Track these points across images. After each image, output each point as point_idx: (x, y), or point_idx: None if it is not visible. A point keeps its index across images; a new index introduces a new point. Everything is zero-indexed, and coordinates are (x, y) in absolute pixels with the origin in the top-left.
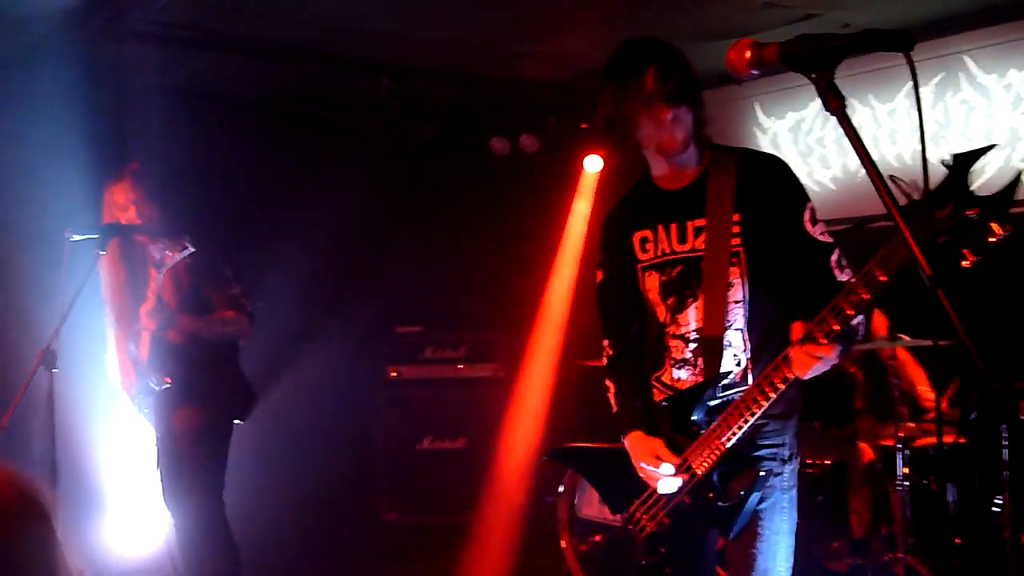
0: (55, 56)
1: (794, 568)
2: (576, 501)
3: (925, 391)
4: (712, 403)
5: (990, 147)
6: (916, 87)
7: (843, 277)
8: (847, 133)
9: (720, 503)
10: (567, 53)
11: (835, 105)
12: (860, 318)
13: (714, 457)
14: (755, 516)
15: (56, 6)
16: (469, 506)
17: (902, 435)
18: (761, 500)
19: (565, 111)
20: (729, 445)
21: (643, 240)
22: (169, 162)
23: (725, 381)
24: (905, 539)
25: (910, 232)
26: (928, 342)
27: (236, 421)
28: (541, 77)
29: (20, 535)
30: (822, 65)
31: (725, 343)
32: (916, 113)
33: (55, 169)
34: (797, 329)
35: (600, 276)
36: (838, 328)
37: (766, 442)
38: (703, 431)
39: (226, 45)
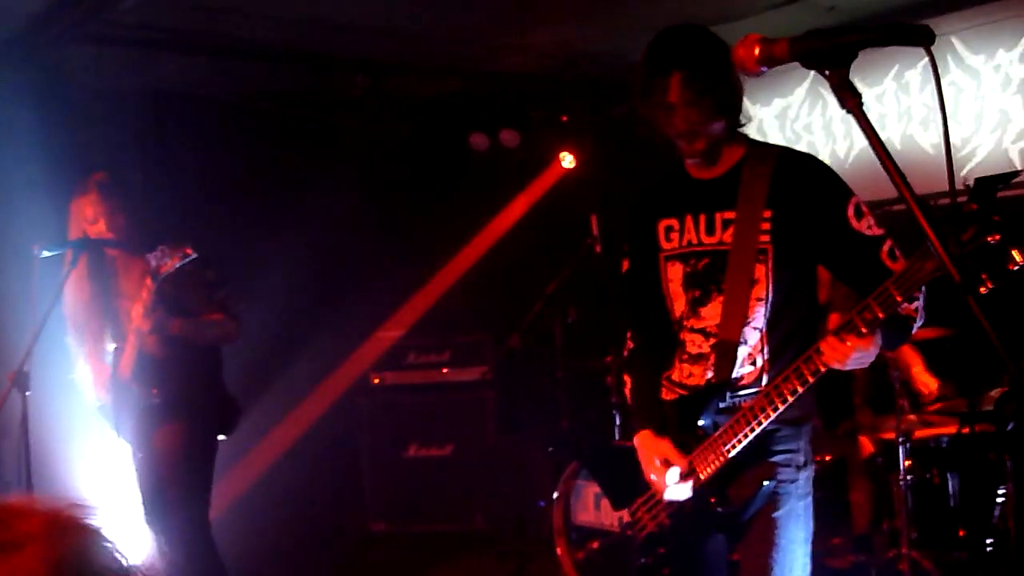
0: (19, 61)
1: None
2: (571, 506)
3: (920, 373)
4: (722, 405)
5: (1014, 173)
6: (938, 82)
7: (896, 268)
8: (865, 132)
9: (720, 509)
10: (547, 44)
11: (851, 103)
12: (918, 305)
13: (718, 463)
14: (771, 524)
15: (19, 9)
16: (459, 514)
17: (903, 428)
18: (776, 508)
19: (546, 104)
20: (732, 454)
21: (668, 229)
22: (141, 168)
23: (734, 378)
24: (908, 533)
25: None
26: (926, 332)
27: (220, 437)
28: (520, 69)
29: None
30: (836, 62)
31: (741, 341)
32: (905, 97)
33: (22, 181)
34: (834, 320)
35: (626, 265)
36: (870, 320)
37: (780, 447)
38: (710, 435)
39: (194, 46)
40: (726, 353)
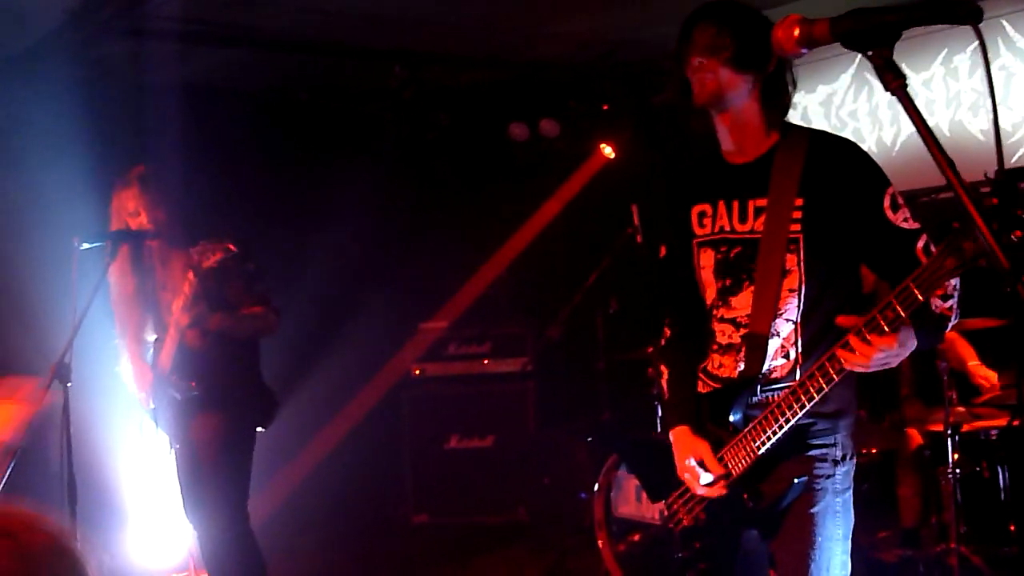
0: (60, 55)
1: None
2: (612, 499)
3: (976, 367)
4: (753, 399)
5: None
6: (987, 63)
7: None
8: (910, 114)
9: (752, 504)
10: (586, 32)
11: (895, 85)
12: (952, 303)
13: (749, 460)
14: (807, 521)
15: (56, 5)
16: (500, 506)
17: (952, 420)
18: (813, 504)
19: (586, 93)
20: (762, 451)
21: (701, 214)
22: (180, 160)
23: (765, 372)
24: (957, 528)
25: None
26: (978, 321)
27: (258, 429)
28: (559, 58)
29: None
30: (879, 42)
31: (772, 334)
32: (954, 83)
33: (63, 173)
34: (852, 319)
35: (663, 252)
36: (893, 318)
37: (816, 442)
38: (741, 430)
39: (230, 39)
40: (756, 346)
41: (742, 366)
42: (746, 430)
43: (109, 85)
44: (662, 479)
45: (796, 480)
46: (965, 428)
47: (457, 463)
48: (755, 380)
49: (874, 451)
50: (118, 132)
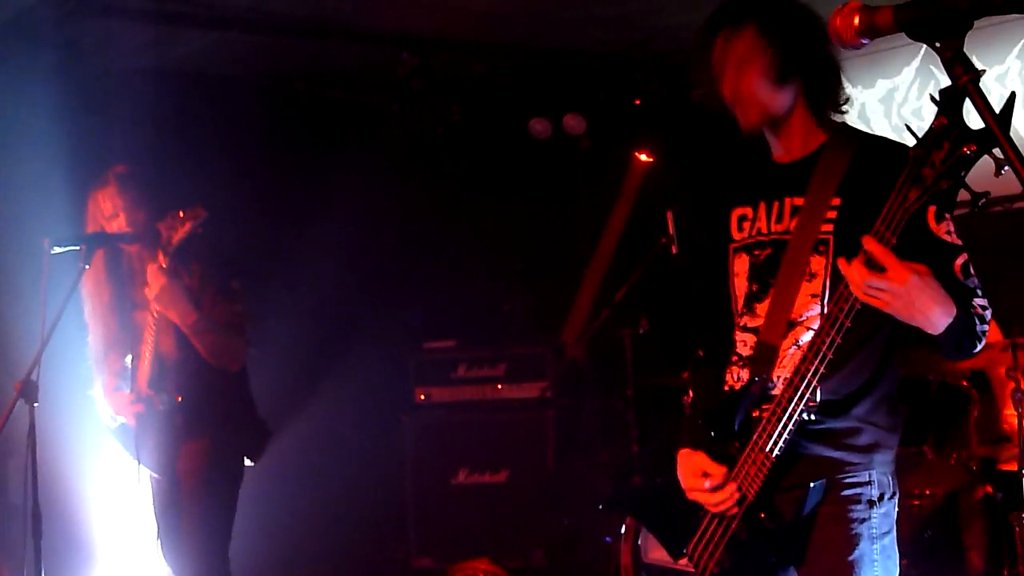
0: (30, 37)
1: None
2: (641, 542)
3: None
4: (757, 410)
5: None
6: None
7: (968, 284)
8: (982, 113)
9: (771, 524)
10: (616, 17)
11: (965, 79)
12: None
13: (764, 471)
14: (846, 569)
15: None
16: (515, 549)
17: None
18: (847, 552)
19: (616, 86)
20: (776, 454)
21: (741, 218)
22: (163, 156)
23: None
24: None
25: None
26: None
27: (247, 463)
28: (586, 46)
29: None
30: (948, 32)
31: (792, 344)
32: None
33: (32, 167)
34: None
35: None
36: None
37: (848, 480)
38: (747, 445)
39: (220, 20)
40: (765, 357)
41: (757, 379)
42: (752, 439)
43: (86, 71)
44: (677, 528)
45: (812, 484)
46: None
47: (466, 500)
48: (749, 388)
49: (939, 492)
50: (92, 124)
